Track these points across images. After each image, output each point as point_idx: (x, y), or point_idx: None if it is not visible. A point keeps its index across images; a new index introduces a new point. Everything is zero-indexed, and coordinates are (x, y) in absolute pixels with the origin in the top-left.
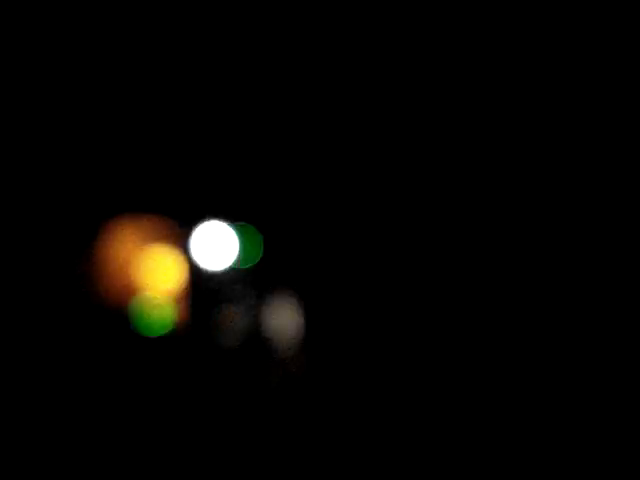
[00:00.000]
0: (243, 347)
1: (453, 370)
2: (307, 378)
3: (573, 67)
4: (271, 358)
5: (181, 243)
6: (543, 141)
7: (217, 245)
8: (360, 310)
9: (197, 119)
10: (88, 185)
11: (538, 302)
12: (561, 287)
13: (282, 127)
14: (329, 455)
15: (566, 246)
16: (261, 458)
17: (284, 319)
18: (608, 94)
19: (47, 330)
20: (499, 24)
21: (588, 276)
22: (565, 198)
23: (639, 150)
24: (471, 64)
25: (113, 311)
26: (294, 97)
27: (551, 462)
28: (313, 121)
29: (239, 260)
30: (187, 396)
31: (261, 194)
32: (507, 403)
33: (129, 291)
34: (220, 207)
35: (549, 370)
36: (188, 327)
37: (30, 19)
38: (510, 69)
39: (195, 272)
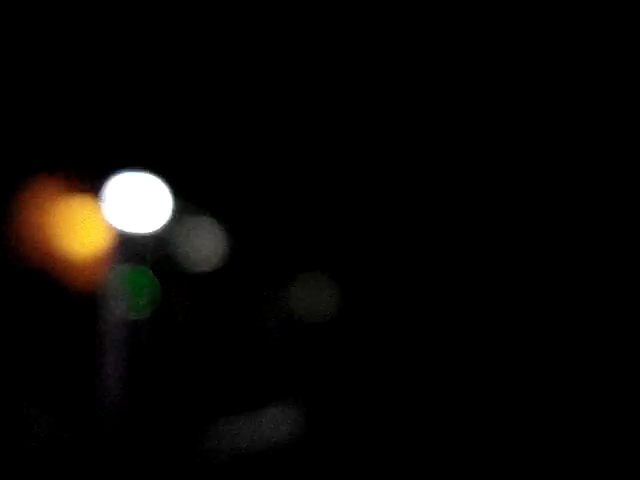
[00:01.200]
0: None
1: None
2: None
3: (573, 67)
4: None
5: (97, 199)
6: (543, 141)
7: (142, 203)
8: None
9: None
10: None
11: (538, 302)
12: (561, 287)
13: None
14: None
15: (566, 246)
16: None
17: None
18: (608, 94)
19: None
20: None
21: (588, 276)
22: (565, 198)
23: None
24: (471, 64)
25: (31, 274)
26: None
27: (551, 462)
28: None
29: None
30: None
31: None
32: (507, 403)
33: (46, 253)
34: (143, 154)
35: (549, 370)
36: (107, 297)
37: None
38: (510, 69)
39: (116, 235)
